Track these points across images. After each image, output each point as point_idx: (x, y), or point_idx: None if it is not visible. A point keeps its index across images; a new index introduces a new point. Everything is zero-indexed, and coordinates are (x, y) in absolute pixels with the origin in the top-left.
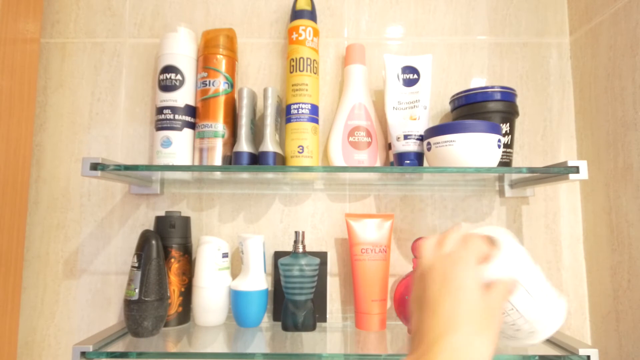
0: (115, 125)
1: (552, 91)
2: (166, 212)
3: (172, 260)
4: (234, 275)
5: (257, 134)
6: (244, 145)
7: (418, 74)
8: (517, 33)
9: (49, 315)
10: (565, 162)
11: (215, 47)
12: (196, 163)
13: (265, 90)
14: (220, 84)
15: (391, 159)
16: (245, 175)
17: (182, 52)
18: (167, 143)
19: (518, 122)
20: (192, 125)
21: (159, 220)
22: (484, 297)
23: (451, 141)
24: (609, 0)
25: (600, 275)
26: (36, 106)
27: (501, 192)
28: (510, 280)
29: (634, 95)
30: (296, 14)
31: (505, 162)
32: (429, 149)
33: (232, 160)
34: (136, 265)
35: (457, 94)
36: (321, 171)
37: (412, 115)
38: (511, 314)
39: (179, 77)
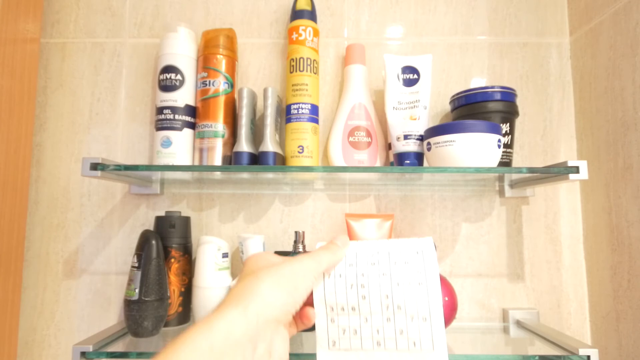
0: (115, 125)
1: (552, 91)
2: (166, 212)
3: (172, 260)
4: (234, 275)
5: (257, 134)
6: (244, 145)
7: (418, 74)
8: (517, 33)
9: (49, 315)
10: (565, 162)
11: (215, 47)
12: (196, 163)
13: (265, 90)
14: (220, 84)
15: (391, 159)
16: (245, 175)
17: (182, 52)
18: (167, 143)
19: (518, 122)
20: (192, 125)
21: (159, 220)
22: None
23: (451, 141)
24: (609, 0)
25: (600, 275)
26: (36, 106)
27: (501, 192)
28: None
29: (634, 95)
30: (296, 14)
31: (505, 162)
32: (429, 149)
33: (232, 160)
34: (136, 265)
35: (457, 94)
36: (321, 171)
37: (412, 115)
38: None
39: (179, 77)
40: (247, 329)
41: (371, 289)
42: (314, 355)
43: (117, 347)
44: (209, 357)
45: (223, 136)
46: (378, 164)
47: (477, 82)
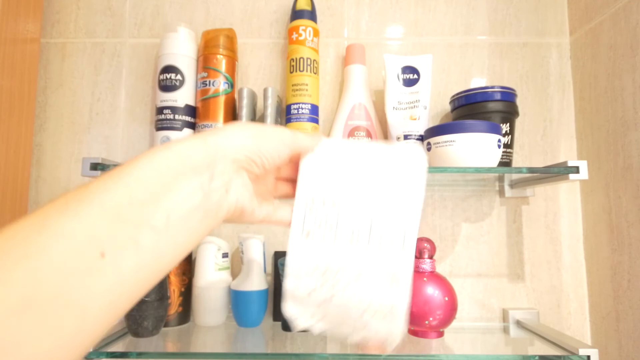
0: (115, 125)
1: (552, 91)
2: None
3: None
4: (234, 275)
5: None
6: None
7: (418, 74)
8: (517, 33)
9: None
10: (565, 162)
11: (215, 47)
12: None
13: (265, 90)
14: (220, 84)
15: None
16: None
17: (182, 52)
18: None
19: (518, 122)
20: (192, 125)
21: None
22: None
23: (451, 141)
24: (609, 0)
25: (600, 275)
26: (36, 106)
27: (501, 192)
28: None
29: (634, 95)
30: (296, 14)
31: (505, 162)
32: (429, 149)
33: None
34: None
35: (457, 94)
36: None
37: (412, 115)
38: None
39: (179, 77)
40: (205, 156)
41: (356, 188)
42: (313, 355)
43: (117, 347)
44: (166, 174)
45: None
46: None
47: (477, 82)
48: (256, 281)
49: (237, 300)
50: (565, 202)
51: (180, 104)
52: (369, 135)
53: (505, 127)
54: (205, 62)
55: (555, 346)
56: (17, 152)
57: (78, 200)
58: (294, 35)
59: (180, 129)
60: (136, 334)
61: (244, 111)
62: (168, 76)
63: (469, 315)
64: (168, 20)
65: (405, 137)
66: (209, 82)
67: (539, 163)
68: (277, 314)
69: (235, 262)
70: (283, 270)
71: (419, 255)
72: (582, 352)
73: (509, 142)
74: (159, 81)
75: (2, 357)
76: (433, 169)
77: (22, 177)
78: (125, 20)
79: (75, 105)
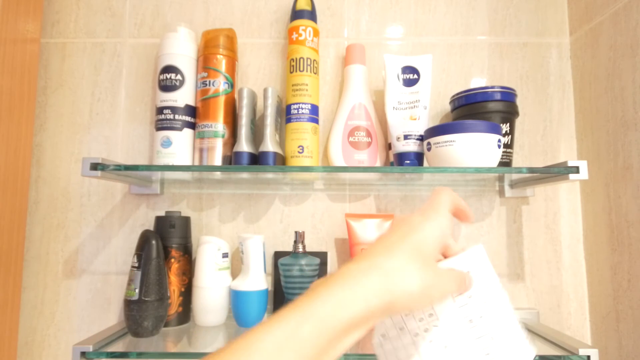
0: (115, 125)
1: (552, 91)
2: (166, 212)
3: (172, 260)
4: (234, 275)
5: (257, 134)
6: (244, 145)
7: (418, 74)
8: (517, 33)
9: (49, 315)
10: (565, 162)
11: (215, 47)
12: (196, 163)
13: (265, 90)
14: (220, 84)
15: (391, 159)
16: (245, 175)
17: (182, 52)
18: (167, 143)
19: (518, 122)
20: (192, 125)
21: (159, 220)
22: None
23: (451, 141)
24: (609, 0)
25: (600, 275)
26: (36, 106)
27: (501, 192)
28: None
29: (634, 95)
30: (296, 14)
31: (505, 162)
32: (429, 149)
33: (232, 160)
34: (136, 265)
35: (457, 94)
36: (321, 171)
37: (412, 115)
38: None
39: (179, 77)
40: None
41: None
42: None
43: (117, 347)
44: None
45: (223, 136)
46: (378, 164)
47: (477, 82)
48: (256, 281)
49: (237, 300)
50: (565, 202)
51: (180, 104)
52: (368, 135)
53: (505, 127)
54: (205, 62)
55: (555, 346)
56: (17, 152)
57: None
58: (294, 35)
59: (180, 129)
60: (136, 334)
61: (244, 111)
62: (168, 76)
63: None
64: (168, 20)
65: (405, 137)
66: (209, 82)
67: (539, 163)
68: None
69: (235, 262)
70: (283, 270)
71: None
72: (582, 352)
73: (509, 142)
74: (159, 81)
75: None
76: (433, 169)
77: (22, 177)
78: (125, 20)
79: (75, 105)
